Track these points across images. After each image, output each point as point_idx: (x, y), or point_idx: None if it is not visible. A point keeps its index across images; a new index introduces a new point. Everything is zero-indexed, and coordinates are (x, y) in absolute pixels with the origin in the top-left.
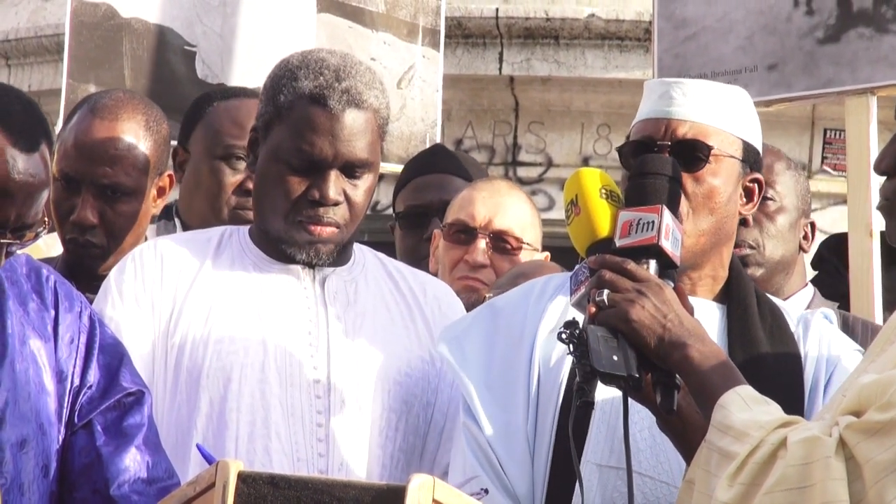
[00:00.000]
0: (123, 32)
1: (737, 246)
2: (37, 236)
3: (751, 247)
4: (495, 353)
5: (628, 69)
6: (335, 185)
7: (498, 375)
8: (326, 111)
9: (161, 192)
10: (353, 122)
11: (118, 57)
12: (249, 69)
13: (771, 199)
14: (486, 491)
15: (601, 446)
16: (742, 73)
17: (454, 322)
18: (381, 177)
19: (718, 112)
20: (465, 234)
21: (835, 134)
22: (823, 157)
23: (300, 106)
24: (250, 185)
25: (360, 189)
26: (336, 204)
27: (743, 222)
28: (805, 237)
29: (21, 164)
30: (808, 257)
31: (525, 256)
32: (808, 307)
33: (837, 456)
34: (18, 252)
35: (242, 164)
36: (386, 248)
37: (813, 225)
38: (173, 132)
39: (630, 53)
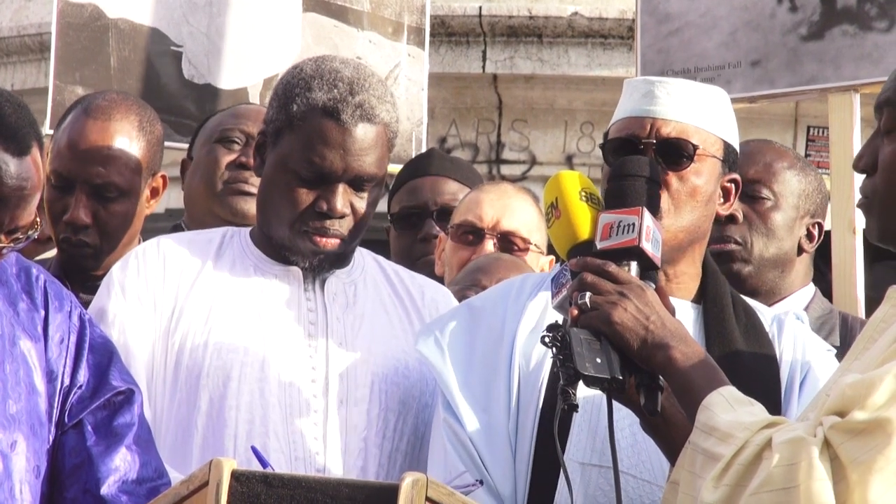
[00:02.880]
0: (110, 33)
1: (722, 242)
2: (28, 238)
3: (737, 243)
4: (475, 353)
5: (612, 67)
6: (343, 197)
7: (478, 375)
8: (339, 125)
9: (154, 192)
10: (365, 136)
11: (105, 58)
12: (236, 69)
13: (765, 198)
14: (481, 482)
15: (583, 445)
16: (725, 69)
17: (432, 321)
18: None
19: (701, 112)
20: (473, 234)
21: (818, 131)
22: (807, 155)
23: (313, 117)
24: (243, 160)
25: (366, 201)
26: (343, 216)
27: (731, 219)
28: (810, 237)
29: (13, 168)
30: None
31: (531, 258)
32: (808, 306)
33: (822, 456)
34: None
35: (237, 146)
36: (373, 246)
37: (820, 226)
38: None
39: (613, 51)
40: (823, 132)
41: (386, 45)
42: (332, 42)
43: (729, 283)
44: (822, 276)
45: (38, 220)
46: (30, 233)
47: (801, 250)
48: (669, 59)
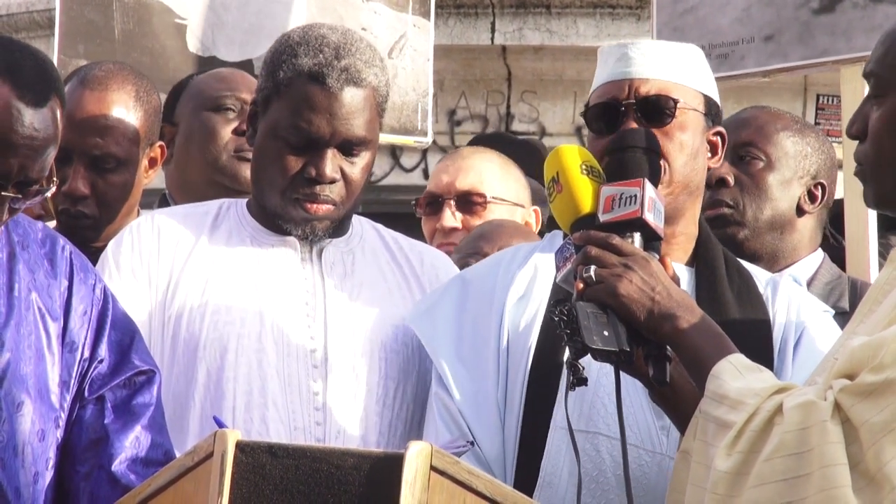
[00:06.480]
0: (114, 6)
1: (715, 206)
2: (41, 193)
3: (728, 206)
4: (466, 325)
5: (620, 37)
6: (332, 162)
7: (469, 346)
8: (325, 89)
9: (152, 163)
10: (352, 100)
11: (109, 31)
12: (240, 41)
13: (756, 159)
14: (472, 443)
15: (570, 410)
16: (739, 45)
17: (425, 297)
18: None
19: (677, 68)
20: (433, 204)
21: (827, 100)
22: (816, 123)
23: (299, 83)
24: (244, 127)
25: (357, 166)
26: (333, 182)
27: (722, 182)
28: (812, 198)
29: (27, 117)
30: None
31: (501, 211)
32: (816, 272)
33: (833, 419)
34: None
35: (233, 114)
36: (379, 219)
37: (823, 186)
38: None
39: (622, 21)
40: (833, 100)
41: (391, 15)
42: (338, 13)
43: (726, 248)
44: (838, 245)
45: (53, 177)
46: (42, 187)
47: (801, 211)
48: (684, 37)
